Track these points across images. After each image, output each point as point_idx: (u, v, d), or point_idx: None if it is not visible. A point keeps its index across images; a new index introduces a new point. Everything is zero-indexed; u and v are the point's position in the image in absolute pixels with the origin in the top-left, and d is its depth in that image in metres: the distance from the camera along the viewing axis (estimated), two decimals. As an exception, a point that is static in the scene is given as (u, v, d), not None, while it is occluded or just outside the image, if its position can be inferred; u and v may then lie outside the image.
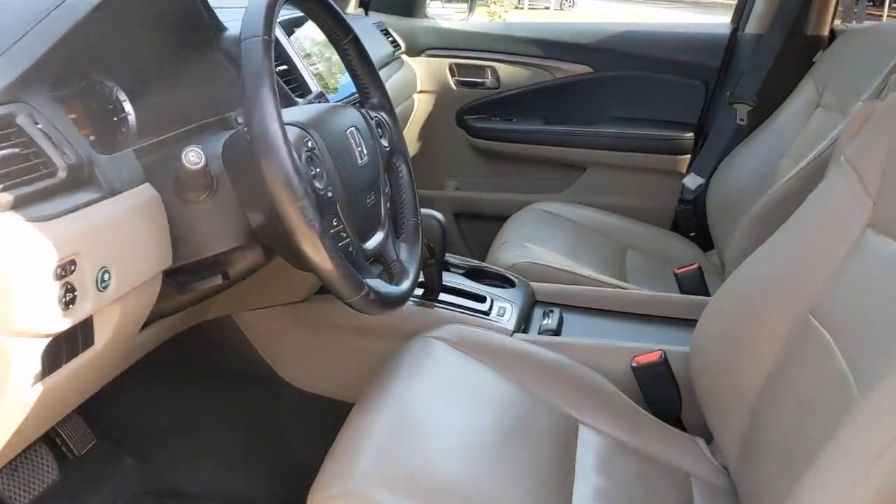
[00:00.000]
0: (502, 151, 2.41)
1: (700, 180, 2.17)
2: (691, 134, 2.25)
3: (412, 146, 2.49)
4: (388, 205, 1.16)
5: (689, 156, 2.26)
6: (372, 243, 1.08)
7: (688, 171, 2.25)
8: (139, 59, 1.09)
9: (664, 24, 2.32)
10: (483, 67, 2.42)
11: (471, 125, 2.42)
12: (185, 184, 0.93)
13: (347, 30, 1.14)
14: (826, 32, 2.10)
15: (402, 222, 1.20)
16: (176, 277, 0.99)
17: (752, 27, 2.17)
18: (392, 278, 1.11)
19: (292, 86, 1.36)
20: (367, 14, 2.37)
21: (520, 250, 1.83)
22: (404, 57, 2.35)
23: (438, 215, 1.37)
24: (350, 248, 1.00)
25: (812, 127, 1.83)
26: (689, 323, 1.49)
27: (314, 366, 1.46)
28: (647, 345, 1.35)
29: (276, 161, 0.85)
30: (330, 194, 0.97)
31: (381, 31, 2.24)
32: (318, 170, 0.96)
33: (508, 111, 2.42)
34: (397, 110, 2.24)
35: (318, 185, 0.95)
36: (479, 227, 2.48)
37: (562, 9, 21.26)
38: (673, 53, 2.26)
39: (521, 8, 19.17)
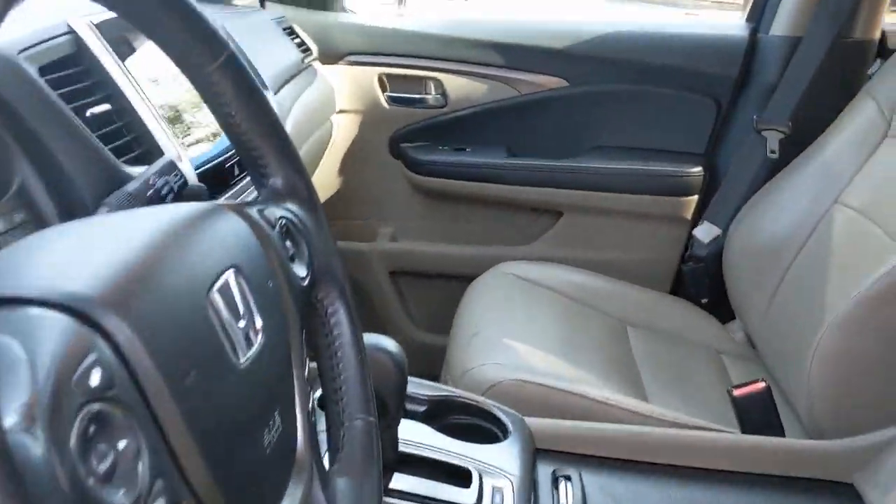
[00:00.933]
0: (452, 191, 1.82)
1: (716, 231, 1.64)
2: (699, 168, 1.72)
3: (329, 182, 1.88)
4: (312, 408, 0.56)
5: (696, 196, 1.74)
6: None
7: (697, 217, 1.73)
8: None
9: (662, 24, 1.78)
10: (424, 79, 1.83)
11: (409, 156, 1.83)
12: None
13: (217, 45, 0.55)
14: (877, 36, 1.60)
15: (340, 428, 0.61)
16: None
17: (779, 28, 1.65)
18: None
19: (124, 141, 0.74)
20: (262, 6, 1.73)
21: (498, 353, 1.27)
22: (317, 65, 1.73)
23: (391, 345, 0.79)
24: None
25: (883, 164, 1.33)
26: (789, 486, 1.00)
27: None
28: None
29: None
30: (160, 485, 0.37)
31: (285, 29, 1.62)
32: (122, 445, 0.35)
33: (459, 137, 1.83)
34: (308, 143, 1.63)
35: (114, 498, 0.34)
36: (423, 289, 1.89)
37: (465, -1, 20.92)
38: (674, 61, 1.73)
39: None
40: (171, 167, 0.69)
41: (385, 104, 1.82)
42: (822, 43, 1.55)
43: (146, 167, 0.73)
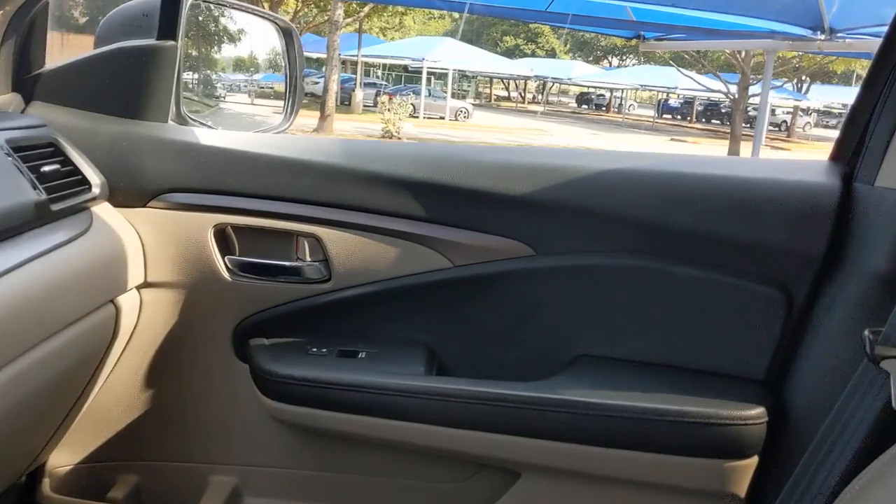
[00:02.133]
0: (330, 427, 1.06)
1: (799, 536, 0.89)
2: (760, 409, 0.98)
3: (119, 401, 1.12)
4: None
5: (755, 459, 0.99)
6: None
7: (757, 495, 0.98)
8: None
9: (694, 160, 1.07)
10: (294, 235, 1.10)
11: (261, 364, 1.07)
12: None
13: None
14: None
15: None
16: None
17: (894, 178, 0.95)
18: None
19: None
20: (24, 109, 1.03)
21: None
22: (104, 210, 1.00)
23: None
24: None
25: None
26: None
27: None
28: None
29: None
30: None
31: (32, 148, 0.90)
32: None
33: (347, 334, 1.10)
34: (49, 346, 0.85)
35: None
36: None
37: (456, 119, 20.52)
38: (717, 225, 1.02)
39: (417, 116, 18.33)
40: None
41: (226, 274, 1.08)
42: None
43: None
